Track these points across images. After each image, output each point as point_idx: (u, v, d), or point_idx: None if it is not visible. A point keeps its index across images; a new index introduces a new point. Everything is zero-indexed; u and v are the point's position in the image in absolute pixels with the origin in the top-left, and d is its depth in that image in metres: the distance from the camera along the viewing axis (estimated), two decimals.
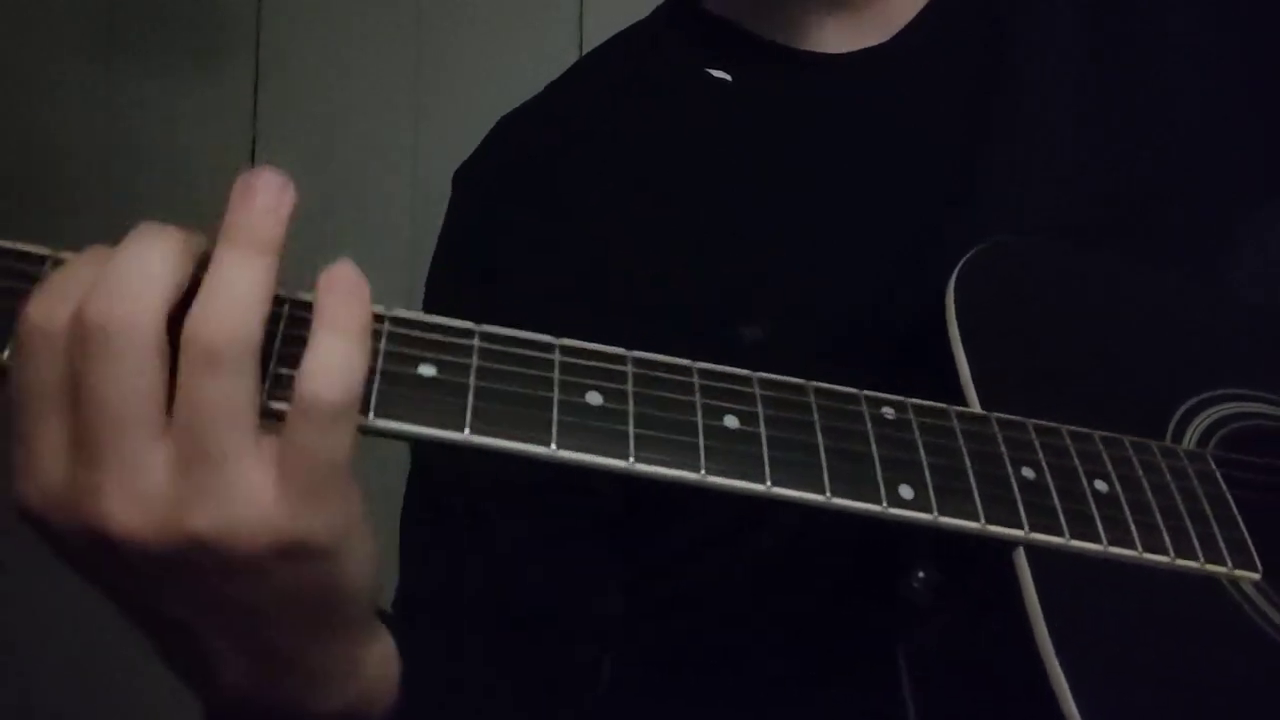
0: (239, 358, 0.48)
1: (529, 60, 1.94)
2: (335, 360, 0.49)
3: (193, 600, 0.52)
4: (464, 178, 0.94)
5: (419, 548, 0.85)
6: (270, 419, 0.50)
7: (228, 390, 0.48)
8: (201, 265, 0.51)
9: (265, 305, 0.50)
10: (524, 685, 0.78)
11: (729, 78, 0.87)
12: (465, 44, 2.42)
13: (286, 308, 0.53)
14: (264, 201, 0.50)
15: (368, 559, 0.53)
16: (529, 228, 0.87)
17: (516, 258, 0.87)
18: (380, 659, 0.59)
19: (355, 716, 0.59)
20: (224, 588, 0.51)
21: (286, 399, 0.50)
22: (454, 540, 0.83)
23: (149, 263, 0.49)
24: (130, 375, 0.48)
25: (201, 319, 0.48)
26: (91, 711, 2.42)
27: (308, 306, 0.51)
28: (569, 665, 0.82)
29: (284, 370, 0.51)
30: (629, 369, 0.57)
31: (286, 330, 0.52)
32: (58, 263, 0.52)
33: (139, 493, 0.48)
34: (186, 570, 0.50)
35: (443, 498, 0.83)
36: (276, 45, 2.49)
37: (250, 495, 0.49)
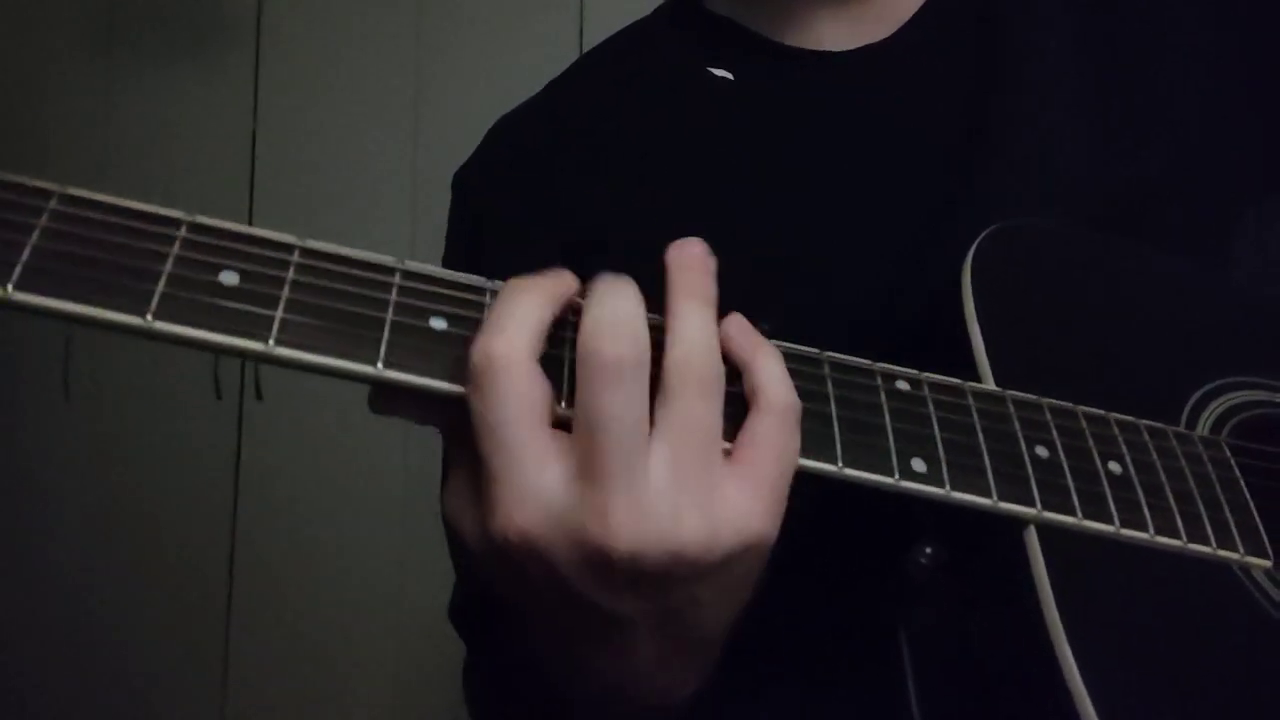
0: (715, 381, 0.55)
1: (529, 60, 1.93)
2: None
3: (648, 603, 0.55)
4: (463, 180, 0.93)
5: None
6: None
7: (713, 407, 0.54)
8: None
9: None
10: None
11: (730, 76, 0.87)
12: (465, 44, 2.42)
13: None
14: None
15: None
16: (526, 229, 0.86)
17: (519, 258, 0.86)
18: None
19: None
20: (691, 590, 0.55)
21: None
22: None
23: (635, 299, 0.55)
24: (636, 398, 0.52)
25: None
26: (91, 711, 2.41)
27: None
28: None
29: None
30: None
31: None
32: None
33: (646, 507, 0.52)
34: (666, 578, 0.53)
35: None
36: (276, 44, 2.50)
37: (734, 503, 0.54)
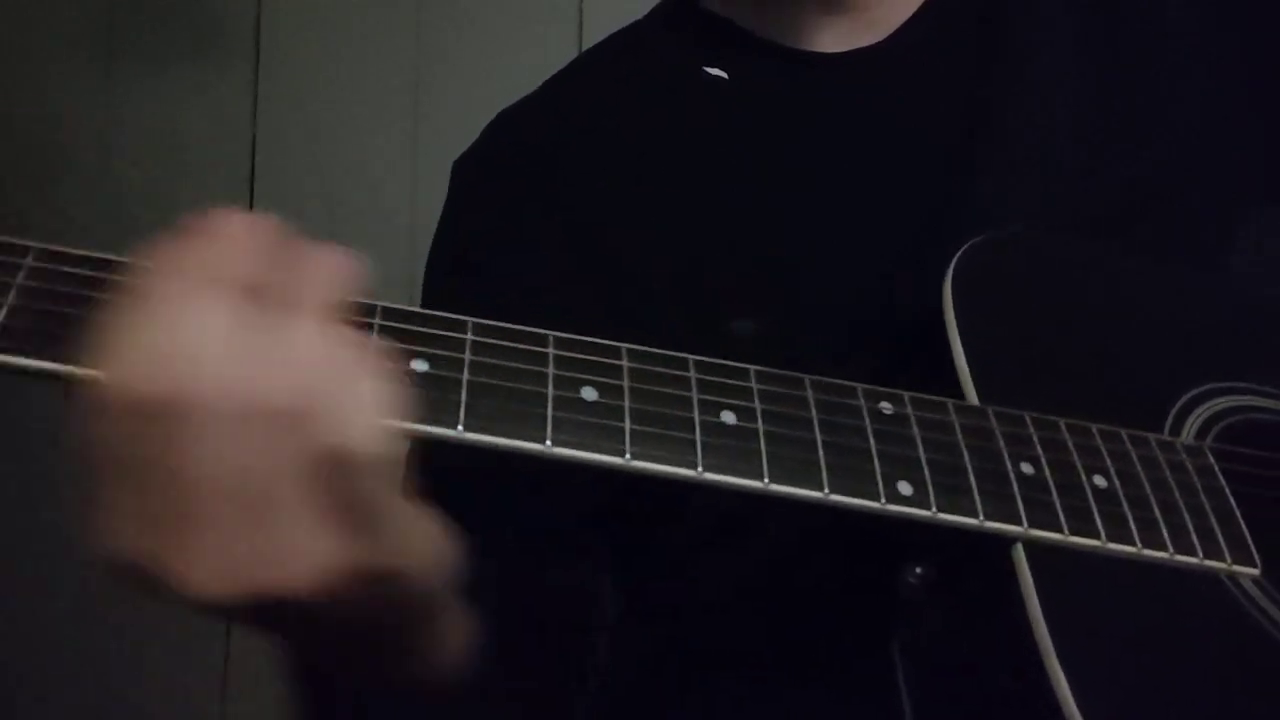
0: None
1: (529, 60, 1.93)
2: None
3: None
4: (462, 168, 0.94)
5: None
6: None
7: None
8: None
9: None
10: (518, 689, 0.78)
11: (725, 76, 0.87)
12: (465, 44, 2.42)
13: None
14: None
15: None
16: (526, 220, 0.87)
17: (513, 249, 0.87)
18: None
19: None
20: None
21: None
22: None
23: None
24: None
25: None
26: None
27: None
28: (563, 669, 0.81)
29: None
30: (624, 363, 0.57)
31: None
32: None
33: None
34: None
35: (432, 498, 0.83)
36: (276, 45, 2.49)
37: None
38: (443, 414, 0.53)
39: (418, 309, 0.55)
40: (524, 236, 0.86)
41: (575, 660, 0.82)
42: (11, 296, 0.49)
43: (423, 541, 0.54)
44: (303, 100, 2.46)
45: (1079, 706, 0.55)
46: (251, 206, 2.48)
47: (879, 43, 0.86)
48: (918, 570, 0.63)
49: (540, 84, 0.96)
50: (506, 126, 0.94)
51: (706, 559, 0.78)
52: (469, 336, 0.55)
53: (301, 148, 2.43)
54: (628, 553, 0.81)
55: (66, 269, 0.50)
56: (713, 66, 0.87)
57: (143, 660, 2.48)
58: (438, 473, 0.78)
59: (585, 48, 1.07)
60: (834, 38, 0.86)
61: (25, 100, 2.51)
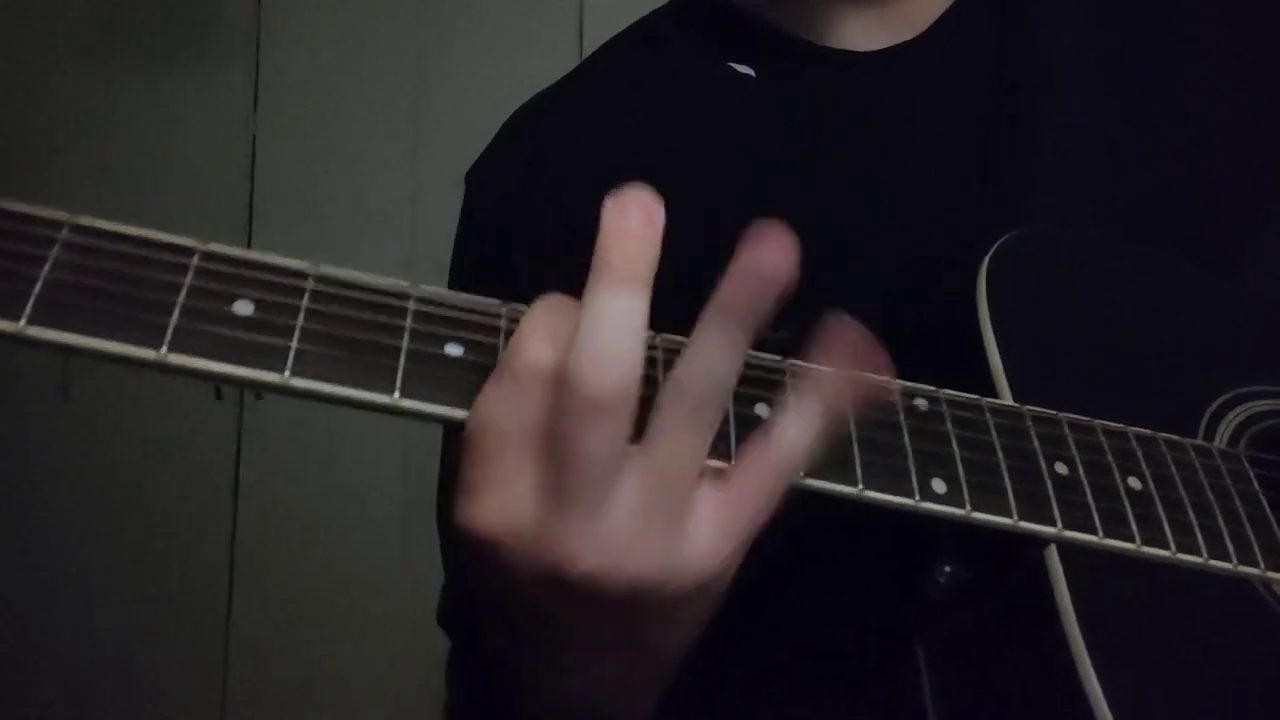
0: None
1: (529, 60, 1.93)
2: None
3: (601, 624, 0.55)
4: (477, 175, 0.92)
5: None
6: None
7: (698, 443, 0.53)
8: None
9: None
10: None
11: (752, 73, 0.86)
12: (465, 44, 2.42)
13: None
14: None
15: None
16: (545, 223, 0.86)
17: (533, 253, 0.86)
18: None
19: None
20: (646, 615, 0.54)
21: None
22: None
23: (634, 330, 0.51)
24: (614, 436, 0.50)
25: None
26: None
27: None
28: None
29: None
30: (659, 354, 0.56)
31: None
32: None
33: (604, 539, 0.51)
34: (621, 604, 0.53)
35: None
36: (276, 45, 2.49)
37: (698, 544, 0.53)
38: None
39: (453, 293, 0.55)
40: (544, 242, 0.85)
41: None
42: (47, 269, 0.48)
43: None
44: (303, 100, 2.46)
45: (1112, 710, 0.54)
46: (251, 206, 2.47)
47: (906, 42, 0.85)
48: (947, 569, 0.62)
49: (542, 87, 0.95)
50: (519, 129, 0.92)
51: None
52: (504, 324, 0.55)
53: (301, 147, 2.43)
54: None
55: (102, 244, 0.49)
56: (739, 63, 0.86)
57: (143, 660, 2.47)
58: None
59: (586, 48, 1.06)
60: (863, 35, 0.85)
61: (25, 100, 2.51)
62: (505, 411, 0.51)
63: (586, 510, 0.51)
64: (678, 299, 0.80)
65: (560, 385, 0.50)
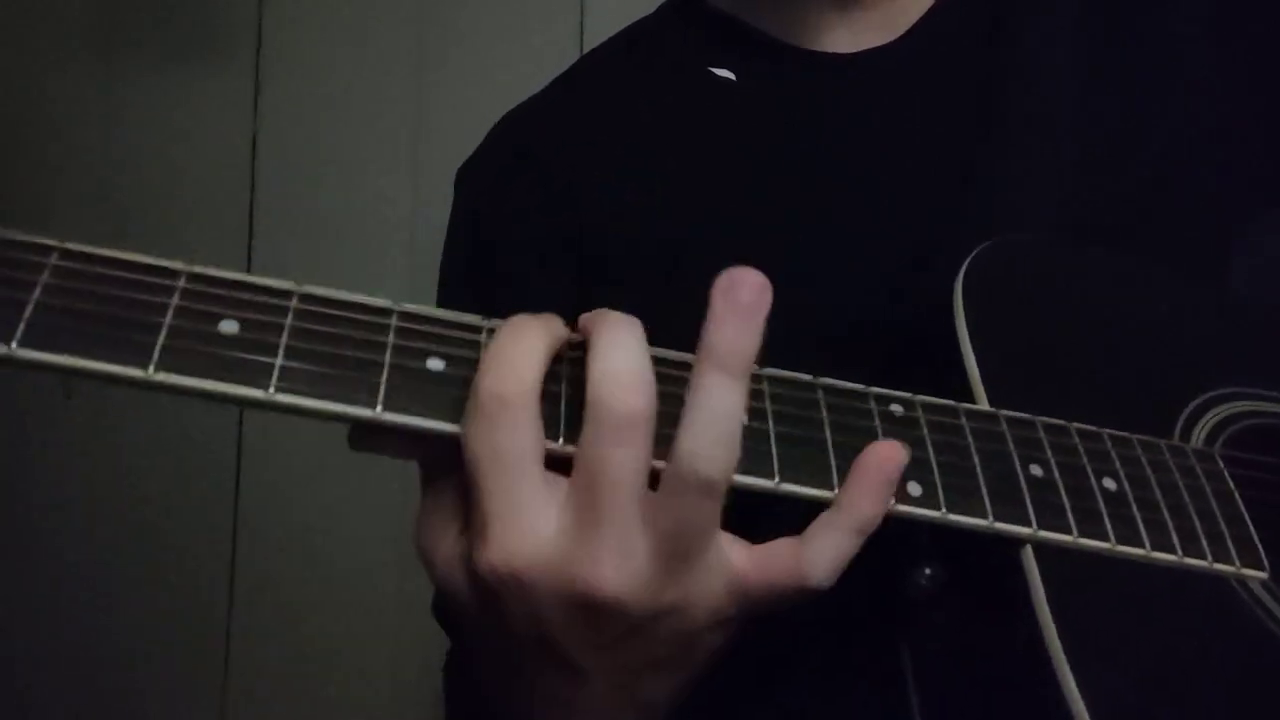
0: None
1: (529, 60, 1.93)
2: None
3: (611, 658, 0.56)
4: (467, 176, 0.93)
5: None
6: None
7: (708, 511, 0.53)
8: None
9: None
10: None
11: (733, 77, 0.87)
12: (465, 44, 2.42)
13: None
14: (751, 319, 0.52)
15: None
16: (534, 224, 0.86)
17: (522, 254, 0.86)
18: None
19: None
20: (658, 648, 0.56)
21: None
22: None
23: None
24: (641, 456, 0.52)
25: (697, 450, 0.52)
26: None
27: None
28: None
29: None
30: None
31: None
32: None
33: (632, 563, 0.52)
34: (641, 630, 0.54)
35: None
36: (277, 45, 2.49)
37: (722, 565, 0.55)
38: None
39: (434, 309, 0.56)
40: (531, 242, 0.86)
41: None
42: (38, 293, 0.49)
43: None
44: (303, 100, 2.46)
45: (1088, 708, 0.55)
46: (252, 207, 2.47)
47: (889, 43, 0.86)
48: (928, 571, 0.63)
49: (544, 85, 0.95)
50: (510, 130, 0.93)
51: None
52: (484, 339, 0.55)
53: (302, 148, 2.43)
54: None
55: (91, 268, 0.51)
56: (720, 67, 0.87)
57: (143, 660, 2.48)
58: None
59: (586, 48, 1.07)
60: (845, 37, 0.86)
61: (25, 100, 2.51)
62: (505, 444, 0.52)
63: (619, 531, 0.52)
64: (658, 295, 0.81)
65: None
